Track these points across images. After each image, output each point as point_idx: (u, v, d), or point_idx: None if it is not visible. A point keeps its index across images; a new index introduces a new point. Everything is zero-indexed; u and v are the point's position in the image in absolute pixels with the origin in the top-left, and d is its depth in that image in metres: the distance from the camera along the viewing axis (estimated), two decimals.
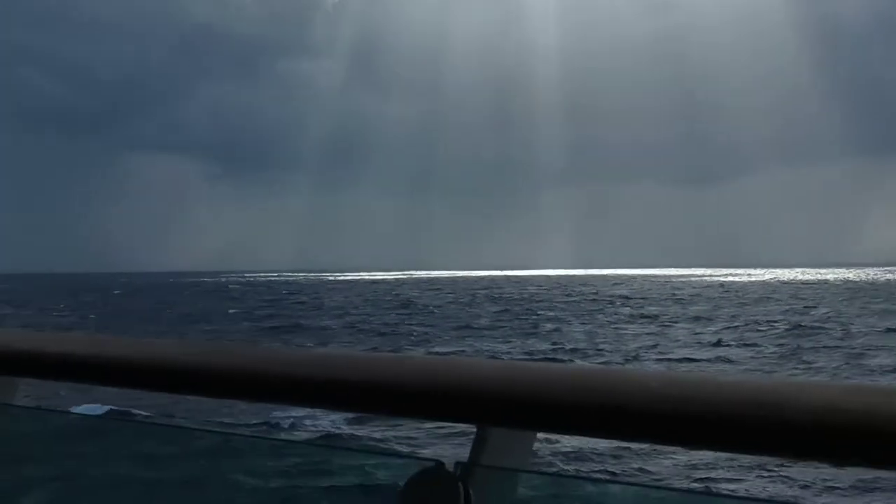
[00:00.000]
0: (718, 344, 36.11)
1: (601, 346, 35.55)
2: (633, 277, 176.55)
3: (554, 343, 37.48)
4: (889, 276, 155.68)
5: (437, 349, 35.24)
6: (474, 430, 1.14)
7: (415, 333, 43.54)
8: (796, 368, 28.15)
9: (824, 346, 33.51)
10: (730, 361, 31.18)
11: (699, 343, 36.81)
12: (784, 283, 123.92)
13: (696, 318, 50.84)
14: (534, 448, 1.18)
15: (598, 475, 10.56)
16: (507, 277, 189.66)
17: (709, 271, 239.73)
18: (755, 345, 35.41)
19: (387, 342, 39.31)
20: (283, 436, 14.39)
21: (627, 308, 62.29)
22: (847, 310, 55.87)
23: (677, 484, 11.96)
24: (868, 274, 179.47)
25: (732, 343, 36.08)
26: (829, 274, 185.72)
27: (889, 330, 39.02)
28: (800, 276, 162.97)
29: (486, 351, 35.19)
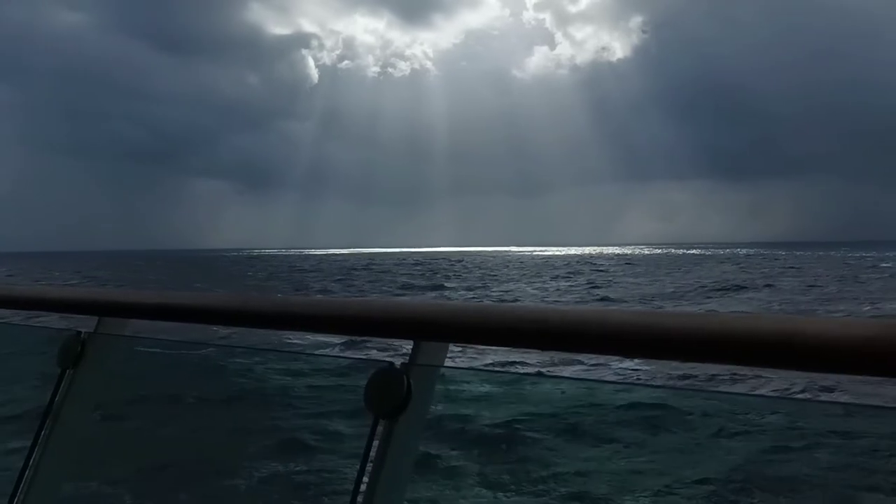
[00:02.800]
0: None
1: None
2: (489, 251, 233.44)
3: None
4: (637, 251, 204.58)
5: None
6: (411, 343, 1.61)
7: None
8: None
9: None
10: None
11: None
12: (579, 254, 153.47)
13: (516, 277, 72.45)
14: (446, 354, 1.64)
15: (494, 368, 12.24)
16: (413, 253, 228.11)
17: (536, 249, 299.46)
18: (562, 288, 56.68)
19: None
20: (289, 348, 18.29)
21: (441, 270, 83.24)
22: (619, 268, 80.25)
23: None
24: (631, 250, 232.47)
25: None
26: (607, 249, 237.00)
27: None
28: (587, 251, 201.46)
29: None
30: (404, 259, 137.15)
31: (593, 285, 55.48)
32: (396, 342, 1.73)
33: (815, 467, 7.36)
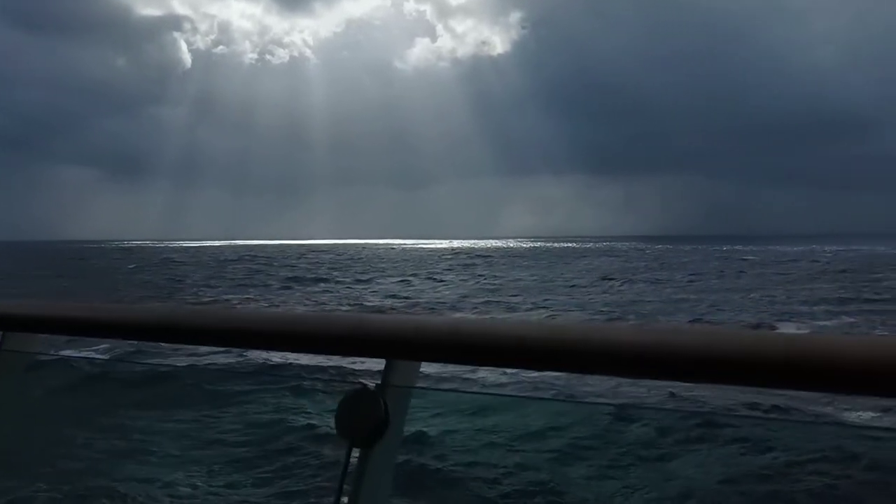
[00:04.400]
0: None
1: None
2: (372, 244, 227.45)
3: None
4: (519, 244, 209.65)
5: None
6: (384, 362, 1.53)
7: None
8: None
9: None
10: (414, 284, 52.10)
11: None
12: (457, 247, 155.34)
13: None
14: (419, 372, 1.58)
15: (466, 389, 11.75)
16: (293, 245, 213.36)
17: (419, 241, 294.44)
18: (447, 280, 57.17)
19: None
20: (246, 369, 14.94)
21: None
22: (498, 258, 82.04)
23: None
24: (513, 243, 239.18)
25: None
26: (485, 242, 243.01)
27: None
28: (467, 244, 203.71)
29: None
30: (285, 251, 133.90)
31: (492, 277, 56.10)
32: (363, 361, 1.68)
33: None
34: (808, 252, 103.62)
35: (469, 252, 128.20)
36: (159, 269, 75.04)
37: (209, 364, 12.22)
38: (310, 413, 8.02)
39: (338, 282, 54.22)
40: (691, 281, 49.42)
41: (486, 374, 12.29)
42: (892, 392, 1.06)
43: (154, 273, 67.38)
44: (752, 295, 38.78)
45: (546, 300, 38.15)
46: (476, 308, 35.19)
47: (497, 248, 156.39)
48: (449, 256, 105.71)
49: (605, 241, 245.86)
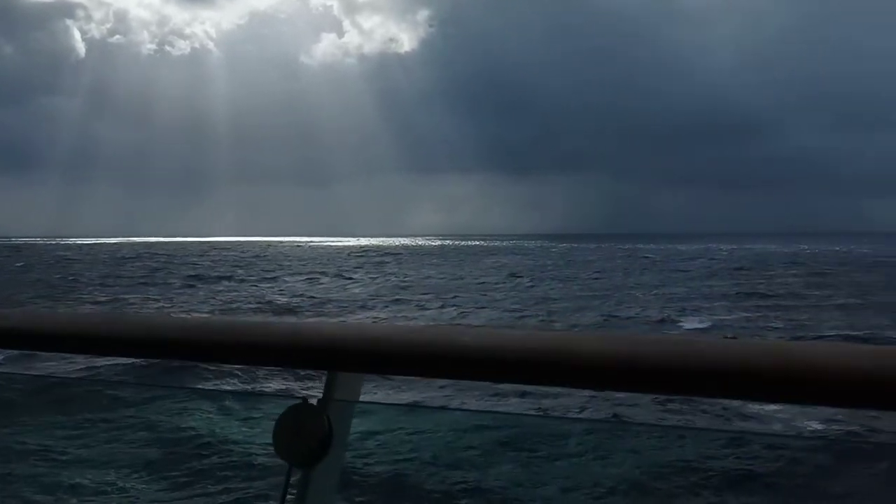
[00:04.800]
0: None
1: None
2: (277, 241, 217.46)
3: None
4: (427, 242, 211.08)
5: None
6: (325, 374, 1.44)
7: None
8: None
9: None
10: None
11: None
12: (364, 245, 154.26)
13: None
14: (361, 385, 1.49)
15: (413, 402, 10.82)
16: (195, 242, 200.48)
17: (326, 239, 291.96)
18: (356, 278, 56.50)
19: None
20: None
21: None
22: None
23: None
24: (422, 241, 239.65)
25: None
26: (394, 240, 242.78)
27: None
28: (375, 242, 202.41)
29: None
30: (186, 249, 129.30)
31: (402, 275, 55.64)
32: (303, 373, 1.32)
33: None
34: (706, 250, 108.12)
35: (378, 250, 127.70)
36: (51, 267, 70.82)
37: (118, 377, 10.98)
38: (244, 432, 7.19)
39: (242, 280, 52.63)
40: (597, 278, 50.51)
41: (442, 385, 11.72)
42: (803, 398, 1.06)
43: (45, 271, 63.48)
44: (654, 291, 39.95)
45: (456, 297, 38.13)
46: (388, 307, 34.70)
47: (406, 246, 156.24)
48: (358, 254, 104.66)
49: (513, 240, 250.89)
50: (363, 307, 34.36)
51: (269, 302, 36.49)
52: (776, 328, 26.08)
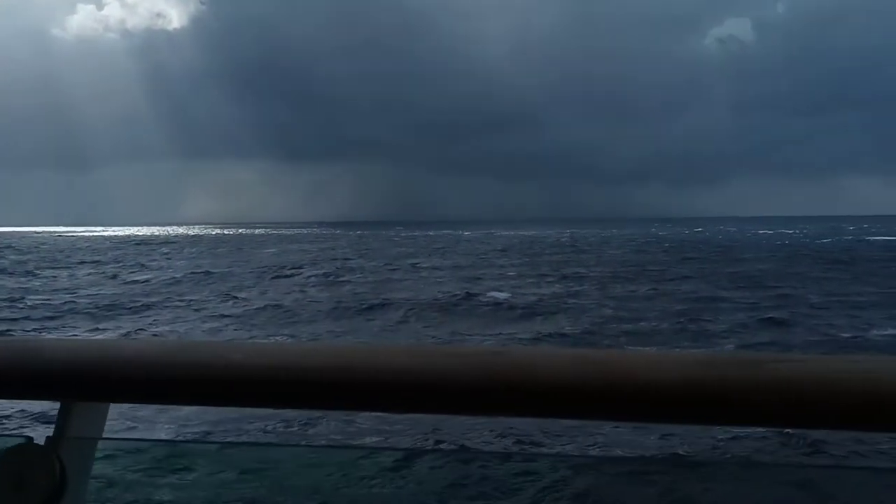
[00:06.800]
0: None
1: None
2: (29, 232, 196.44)
3: None
4: (200, 231, 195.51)
5: None
6: (58, 405, 1.15)
7: None
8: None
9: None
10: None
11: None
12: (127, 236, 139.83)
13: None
14: (106, 417, 1.20)
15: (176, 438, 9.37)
16: None
17: (90, 229, 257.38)
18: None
19: None
20: None
21: None
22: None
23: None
24: (190, 229, 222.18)
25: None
26: (171, 229, 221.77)
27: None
28: (142, 232, 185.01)
29: None
30: None
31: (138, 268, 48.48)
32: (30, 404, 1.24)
33: None
34: (488, 236, 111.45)
35: (134, 240, 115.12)
36: None
37: None
38: None
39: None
40: (393, 269, 47.18)
41: (211, 415, 10.38)
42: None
43: None
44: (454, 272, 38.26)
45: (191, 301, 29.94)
46: (139, 314, 26.66)
47: (182, 235, 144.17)
48: (109, 246, 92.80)
49: (299, 228, 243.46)
50: (73, 312, 26.21)
51: None
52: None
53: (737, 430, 9.78)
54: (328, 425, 10.82)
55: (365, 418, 10.59)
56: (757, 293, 27.65)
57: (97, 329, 22.50)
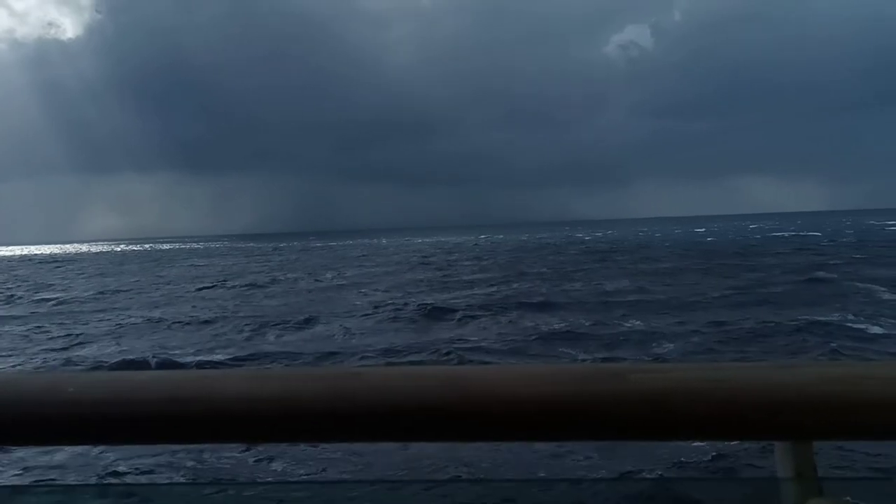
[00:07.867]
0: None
1: None
2: None
3: None
4: (104, 247, 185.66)
5: None
6: None
7: None
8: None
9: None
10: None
11: None
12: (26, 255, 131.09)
13: None
14: None
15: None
16: None
17: None
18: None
19: None
20: None
21: None
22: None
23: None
24: (89, 247, 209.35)
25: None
26: (67, 247, 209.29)
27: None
28: (42, 251, 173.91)
29: None
30: None
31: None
32: None
33: None
34: (405, 244, 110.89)
35: (28, 259, 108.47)
36: None
37: None
38: None
39: None
40: (318, 281, 45.80)
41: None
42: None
43: None
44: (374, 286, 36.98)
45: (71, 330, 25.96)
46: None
47: (79, 254, 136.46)
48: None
49: (205, 241, 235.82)
50: None
51: None
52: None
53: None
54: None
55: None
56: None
57: None
